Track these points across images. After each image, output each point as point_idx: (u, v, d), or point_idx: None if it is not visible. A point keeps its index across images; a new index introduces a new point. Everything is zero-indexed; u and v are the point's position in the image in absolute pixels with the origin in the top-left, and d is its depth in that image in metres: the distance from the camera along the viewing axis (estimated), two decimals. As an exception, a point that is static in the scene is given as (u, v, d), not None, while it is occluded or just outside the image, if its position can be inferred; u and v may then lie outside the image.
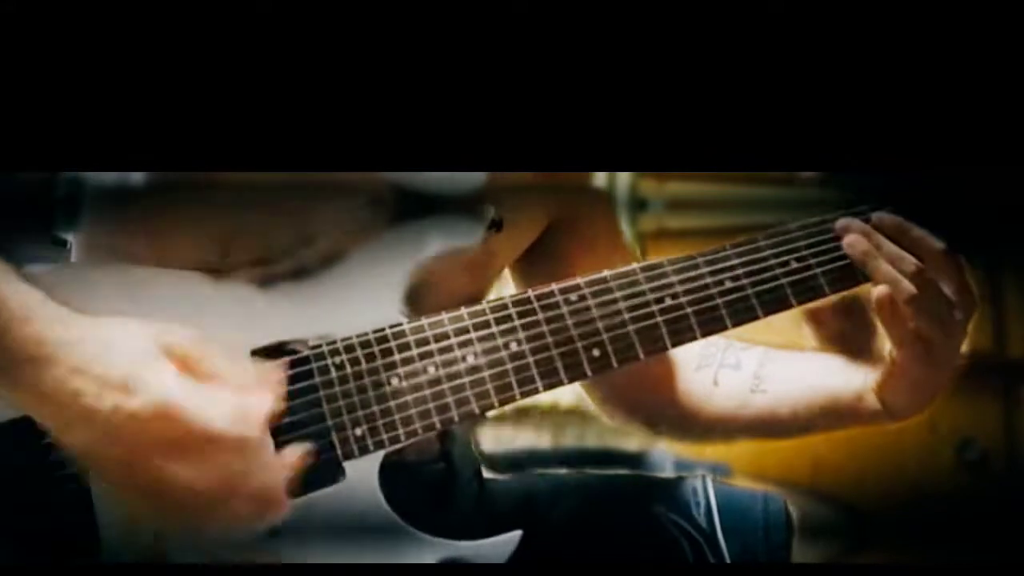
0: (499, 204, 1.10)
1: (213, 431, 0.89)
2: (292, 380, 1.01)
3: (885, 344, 1.13)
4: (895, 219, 1.10)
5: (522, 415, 2.53)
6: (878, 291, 1.08)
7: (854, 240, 1.09)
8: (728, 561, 1.15)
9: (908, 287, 1.07)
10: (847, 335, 1.16)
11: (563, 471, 1.31)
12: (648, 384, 1.24)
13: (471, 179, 1.11)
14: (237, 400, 0.91)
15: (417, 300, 1.06)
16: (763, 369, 1.20)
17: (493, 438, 2.49)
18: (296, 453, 0.95)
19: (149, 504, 0.90)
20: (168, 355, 0.90)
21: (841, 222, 1.11)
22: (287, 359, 1.01)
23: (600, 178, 1.71)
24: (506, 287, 1.24)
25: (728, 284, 1.08)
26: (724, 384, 1.21)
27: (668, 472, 1.30)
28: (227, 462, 0.90)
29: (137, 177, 1.03)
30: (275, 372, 0.98)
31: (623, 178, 1.84)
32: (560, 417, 2.47)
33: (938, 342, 1.08)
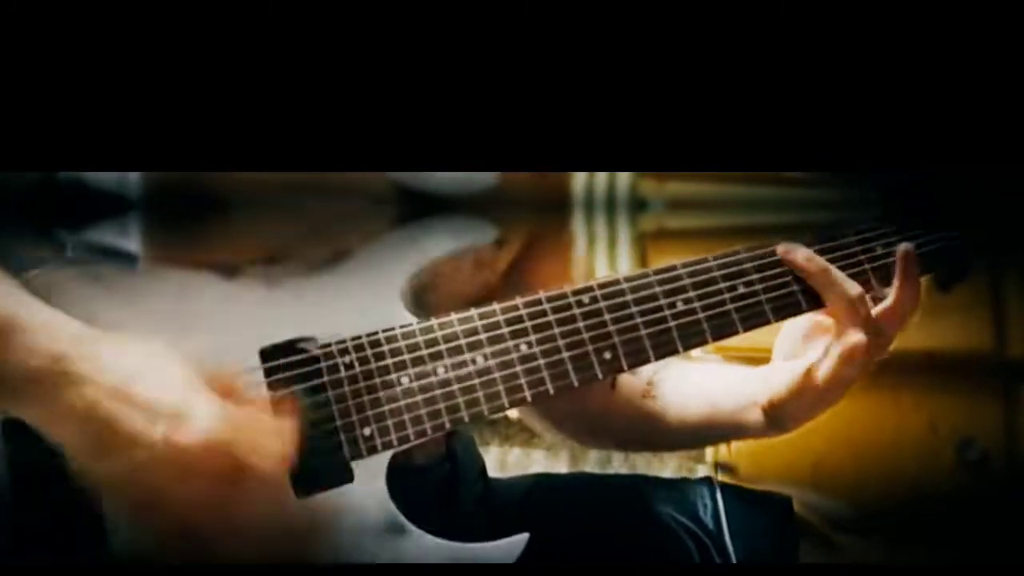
0: (498, 214, 1.10)
1: (262, 471, 0.87)
2: (300, 379, 1.01)
3: (783, 360, 1.14)
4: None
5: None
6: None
7: (791, 247, 1.10)
8: (734, 562, 1.15)
9: (854, 285, 1.07)
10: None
11: (567, 471, 1.32)
12: None
13: (476, 180, 1.11)
14: (274, 437, 0.90)
15: (424, 300, 1.06)
16: (656, 375, 1.21)
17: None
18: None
19: (174, 529, 0.86)
20: (210, 382, 0.87)
21: (781, 248, 1.10)
22: (299, 371, 1.01)
23: (600, 178, 1.71)
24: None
25: (741, 289, 1.09)
26: (620, 387, 1.22)
27: (670, 472, 1.30)
28: (265, 498, 0.88)
29: (182, 187, 1.04)
30: (290, 402, 0.96)
31: (623, 178, 1.84)
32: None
33: (858, 368, 1.08)
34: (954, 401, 1.89)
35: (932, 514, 1.81)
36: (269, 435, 0.89)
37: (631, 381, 1.21)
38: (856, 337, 1.07)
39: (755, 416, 1.14)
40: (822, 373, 1.09)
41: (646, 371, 1.21)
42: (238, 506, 0.87)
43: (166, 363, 0.86)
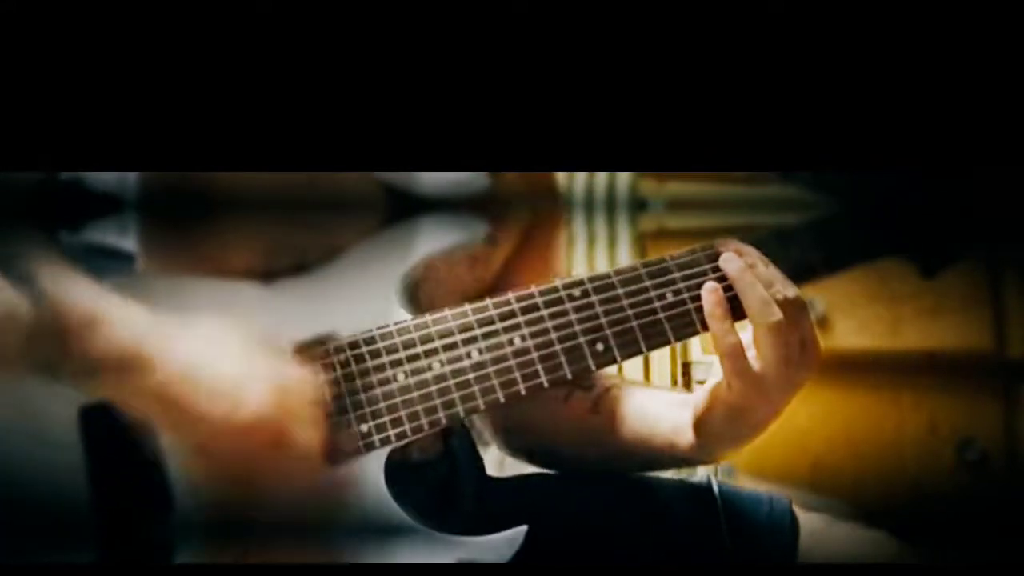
0: (489, 212, 1.11)
1: (303, 438, 0.96)
2: None
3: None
4: (759, 253, 1.09)
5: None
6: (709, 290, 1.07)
7: (730, 257, 1.08)
8: (733, 562, 1.15)
9: (776, 312, 1.05)
10: None
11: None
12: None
13: (470, 180, 1.11)
14: (311, 407, 0.97)
15: (418, 297, 1.07)
16: (607, 392, 1.20)
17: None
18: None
19: (230, 480, 0.96)
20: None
21: (722, 241, 1.09)
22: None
23: (600, 178, 1.72)
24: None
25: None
26: (572, 401, 1.21)
27: (671, 473, 1.30)
28: (303, 458, 0.97)
29: (183, 192, 1.05)
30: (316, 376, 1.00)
31: (623, 178, 1.84)
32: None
33: (775, 381, 1.06)
34: (954, 401, 1.89)
35: (932, 514, 1.81)
36: (307, 406, 0.97)
37: (583, 397, 1.20)
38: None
39: (687, 439, 1.13)
40: (728, 393, 1.08)
41: (598, 387, 1.21)
42: (282, 464, 0.95)
43: (225, 346, 0.96)
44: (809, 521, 1.20)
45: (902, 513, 1.84)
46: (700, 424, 1.11)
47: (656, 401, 1.18)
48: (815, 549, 1.18)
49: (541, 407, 1.21)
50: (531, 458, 1.26)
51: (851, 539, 1.20)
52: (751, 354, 1.06)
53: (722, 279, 1.07)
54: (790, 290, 1.06)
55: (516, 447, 1.27)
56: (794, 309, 1.06)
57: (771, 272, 1.07)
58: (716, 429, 1.11)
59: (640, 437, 1.17)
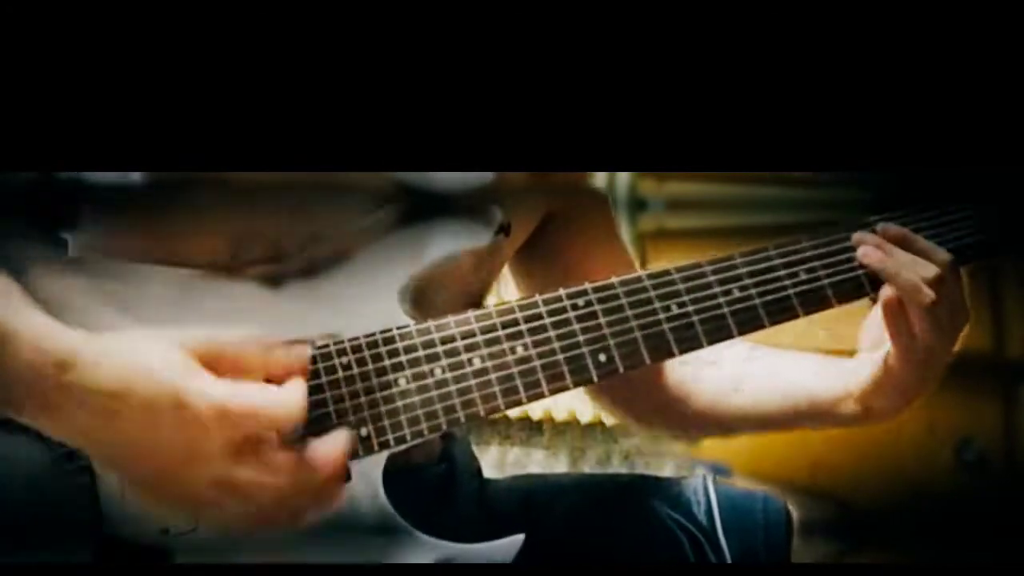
0: (501, 201, 1.10)
1: (277, 419, 0.89)
2: None
3: (875, 348, 1.15)
4: (900, 229, 1.12)
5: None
6: (885, 294, 1.09)
7: (869, 251, 1.10)
8: (728, 561, 1.15)
9: (928, 293, 1.08)
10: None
11: (563, 471, 1.31)
12: (636, 378, 1.23)
13: (477, 179, 1.11)
14: (279, 405, 0.90)
15: (423, 299, 1.07)
16: (742, 369, 1.22)
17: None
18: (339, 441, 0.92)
19: (209, 508, 0.90)
20: (200, 361, 0.88)
21: (856, 235, 1.12)
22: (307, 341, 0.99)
23: (600, 178, 1.72)
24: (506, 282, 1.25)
25: (736, 293, 1.09)
26: (704, 380, 1.23)
27: (668, 472, 1.30)
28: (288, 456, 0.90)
29: (141, 176, 1.03)
30: (300, 354, 0.95)
31: (623, 178, 1.84)
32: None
33: (938, 350, 1.10)
34: (952, 401, 1.89)
35: (930, 514, 1.82)
36: (273, 404, 0.90)
37: (715, 375, 1.23)
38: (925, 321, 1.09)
39: (850, 407, 1.16)
40: (899, 362, 1.11)
41: (730, 363, 1.23)
42: (263, 465, 0.89)
43: (159, 352, 0.88)
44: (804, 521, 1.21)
45: (900, 513, 1.84)
46: (864, 398, 1.15)
47: (808, 374, 1.20)
48: (810, 548, 1.19)
49: (673, 388, 1.25)
50: (676, 434, 1.28)
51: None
52: (915, 332, 1.09)
53: (746, 287, 1.09)
54: (931, 266, 1.09)
55: (659, 429, 1.31)
56: (941, 284, 1.09)
57: (903, 254, 1.10)
58: (881, 402, 1.14)
59: (794, 410, 1.20)
